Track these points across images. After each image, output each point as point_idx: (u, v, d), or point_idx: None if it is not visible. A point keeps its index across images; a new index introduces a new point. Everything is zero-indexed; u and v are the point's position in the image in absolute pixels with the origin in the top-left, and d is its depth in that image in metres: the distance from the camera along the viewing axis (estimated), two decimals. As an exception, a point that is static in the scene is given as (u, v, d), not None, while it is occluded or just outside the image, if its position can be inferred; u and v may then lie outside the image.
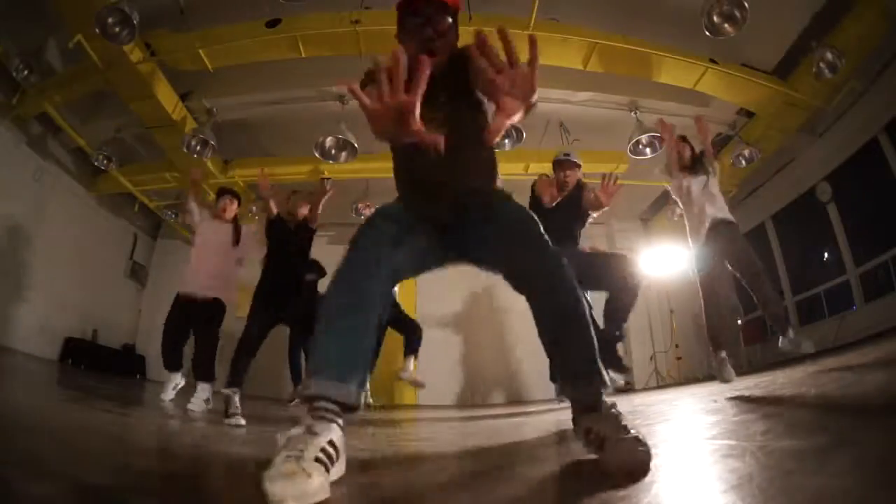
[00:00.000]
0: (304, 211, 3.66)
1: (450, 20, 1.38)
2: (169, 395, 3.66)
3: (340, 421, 0.98)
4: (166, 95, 4.80)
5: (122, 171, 6.02)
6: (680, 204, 3.33)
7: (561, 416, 3.12)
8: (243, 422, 2.66)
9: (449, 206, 1.29)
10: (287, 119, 5.65)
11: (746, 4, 3.49)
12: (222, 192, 3.84)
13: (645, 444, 0.98)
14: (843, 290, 5.78)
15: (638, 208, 7.99)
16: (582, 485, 0.97)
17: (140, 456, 1.41)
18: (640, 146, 5.02)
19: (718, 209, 3.12)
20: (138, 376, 6.99)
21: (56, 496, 0.79)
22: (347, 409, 1.02)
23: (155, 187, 6.45)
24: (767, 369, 5.25)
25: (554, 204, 2.93)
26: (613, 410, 1.11)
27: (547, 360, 1.26)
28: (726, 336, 2.86)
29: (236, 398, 2.87)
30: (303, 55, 4.29)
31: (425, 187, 1.32)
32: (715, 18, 3.64)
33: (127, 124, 5.53)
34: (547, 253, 1.19)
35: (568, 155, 3.31)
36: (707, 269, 3.03)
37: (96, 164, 5.57)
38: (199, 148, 5.01)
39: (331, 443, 0.90)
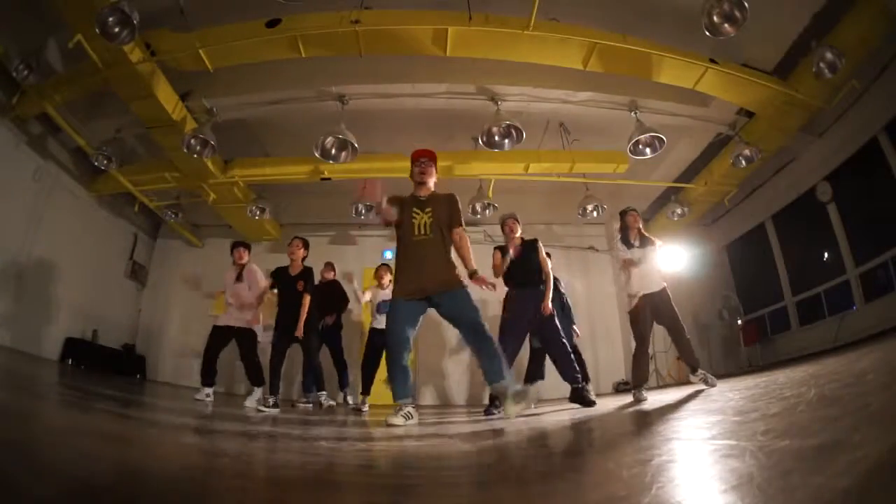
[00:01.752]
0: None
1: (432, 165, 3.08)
2: (203, 398, 4.41)
3: (412, 405, 2.74)
4: (166, 95, 4.80)
5: (122, 171, 6.01)
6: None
7: (554, 417, 3.13)
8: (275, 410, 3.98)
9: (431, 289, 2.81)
10: (287, 119, 5.65)
11: (746, 4, 3.48)
12: (235, 245, 4.89)
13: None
14: (843, 290, 5.78)
15: (638, 208, 7.94)
16: (582, 485, 0.97)
17: (141, 455, 1.41)
18: (640, 146, 5.02)
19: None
20: (138, 376, 6.99)
21: (56, 496, 0.79)
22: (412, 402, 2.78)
23: (155, 187, 6.45)
24: (767, 369, 5.25)
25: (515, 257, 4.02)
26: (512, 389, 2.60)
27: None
28: (646, 377, 4.06)
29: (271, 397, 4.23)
30: (303, 55, 4.28)
31: (420, 279, 2.80)
32: (715, 18, 3.64)
33: (127, 124, 5.53)
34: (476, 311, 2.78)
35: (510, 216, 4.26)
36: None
37: (96, 164, 5.56)
38: (199, 148, 5.00)
39: (409, 412, 2.68)
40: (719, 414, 1.87)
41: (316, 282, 4.93)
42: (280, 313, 4.53)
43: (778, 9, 4.22)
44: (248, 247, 4.95)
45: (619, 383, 7.22)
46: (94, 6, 3.58)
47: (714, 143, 6.16)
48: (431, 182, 3.06)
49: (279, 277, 4.61)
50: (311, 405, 4.91)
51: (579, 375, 3.90)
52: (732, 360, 7.38)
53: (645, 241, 4.11)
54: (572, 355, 3.98)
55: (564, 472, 1.16)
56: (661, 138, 4.91)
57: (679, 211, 6.87)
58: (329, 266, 5.79)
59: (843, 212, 5.79)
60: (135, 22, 3.62)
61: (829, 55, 4.16)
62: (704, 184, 6.52)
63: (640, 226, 4.21)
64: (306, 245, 4.70)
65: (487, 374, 2.69)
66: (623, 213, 4.28)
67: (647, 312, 3.94)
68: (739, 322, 7.10)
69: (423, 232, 2.87)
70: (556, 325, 3.98)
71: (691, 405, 2.59)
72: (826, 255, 6.25)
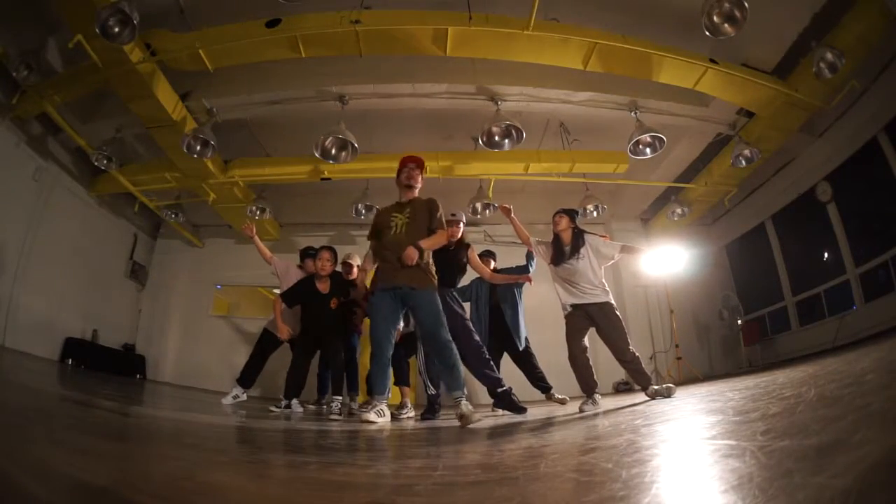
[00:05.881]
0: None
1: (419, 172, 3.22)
2: (229, 401, 4.24)
3: (386, 403, 2.89)
4: (166, 95, 4.80)
5: (122, 171, 6.02)
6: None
7: (546, 417, 3.13)
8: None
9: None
10: (287, 119, 5.65)
11: (746, 4, 3.49)
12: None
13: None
14: (843, 290, 5.78)
15: (638, 208, 7.99)
16: (581, 485, 0.97)
17: (140, 455, 1.41)
18: (641, 146, 5.02)
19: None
20: (138, 376, 6.99)
21: (56, 496, 0.79)
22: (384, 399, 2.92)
23: (155, 187, 6.45)
24: (767, 369, 5.25)
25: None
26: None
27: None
28: (594, 383, 3.55)
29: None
30: (303, 55, 4.28)
31: (391, 269, 2.95)
32: (715, 18, 3.64)
33: (127, 124, 5.54)
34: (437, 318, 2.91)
35: (454, 214, 3.93)
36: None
37: (96, 164, 5.57)
38: (199, 148, 5.00)
39: (381, 410, 2.84)
40: (719, 414, 1.87)
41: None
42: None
43: (778, 9, 4.22)
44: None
45: (618, 383, 7.22)
46: (94, 6, 3.59)
47: (714, 143, 6.16)
48: (416, 188, 3.23)
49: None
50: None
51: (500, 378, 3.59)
52: (732, 360, 7.38)
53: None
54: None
55: (563, 471, 1.16)
56: (662, 138, 4.91)
57: (679, 211, 6.87)
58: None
59: (843, 212, 5.79)
60: (135, 22, 3.63)
61: (829, 55, 4.16)
62: (704, 184, 6.52)
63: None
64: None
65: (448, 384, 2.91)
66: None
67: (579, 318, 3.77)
68: (739, 322, 7.10)
69: (398, 231, 3.02)
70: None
71: (691, 405, 2.59)
72: (826, 255, 6.25)
